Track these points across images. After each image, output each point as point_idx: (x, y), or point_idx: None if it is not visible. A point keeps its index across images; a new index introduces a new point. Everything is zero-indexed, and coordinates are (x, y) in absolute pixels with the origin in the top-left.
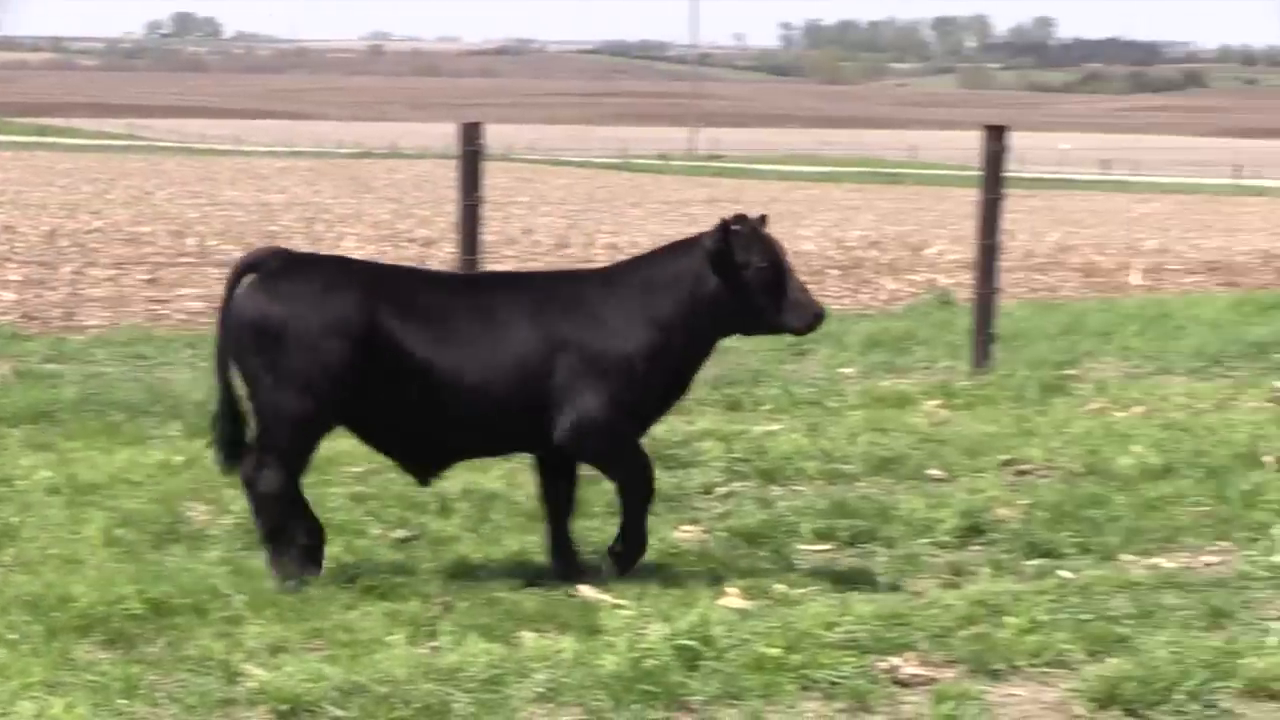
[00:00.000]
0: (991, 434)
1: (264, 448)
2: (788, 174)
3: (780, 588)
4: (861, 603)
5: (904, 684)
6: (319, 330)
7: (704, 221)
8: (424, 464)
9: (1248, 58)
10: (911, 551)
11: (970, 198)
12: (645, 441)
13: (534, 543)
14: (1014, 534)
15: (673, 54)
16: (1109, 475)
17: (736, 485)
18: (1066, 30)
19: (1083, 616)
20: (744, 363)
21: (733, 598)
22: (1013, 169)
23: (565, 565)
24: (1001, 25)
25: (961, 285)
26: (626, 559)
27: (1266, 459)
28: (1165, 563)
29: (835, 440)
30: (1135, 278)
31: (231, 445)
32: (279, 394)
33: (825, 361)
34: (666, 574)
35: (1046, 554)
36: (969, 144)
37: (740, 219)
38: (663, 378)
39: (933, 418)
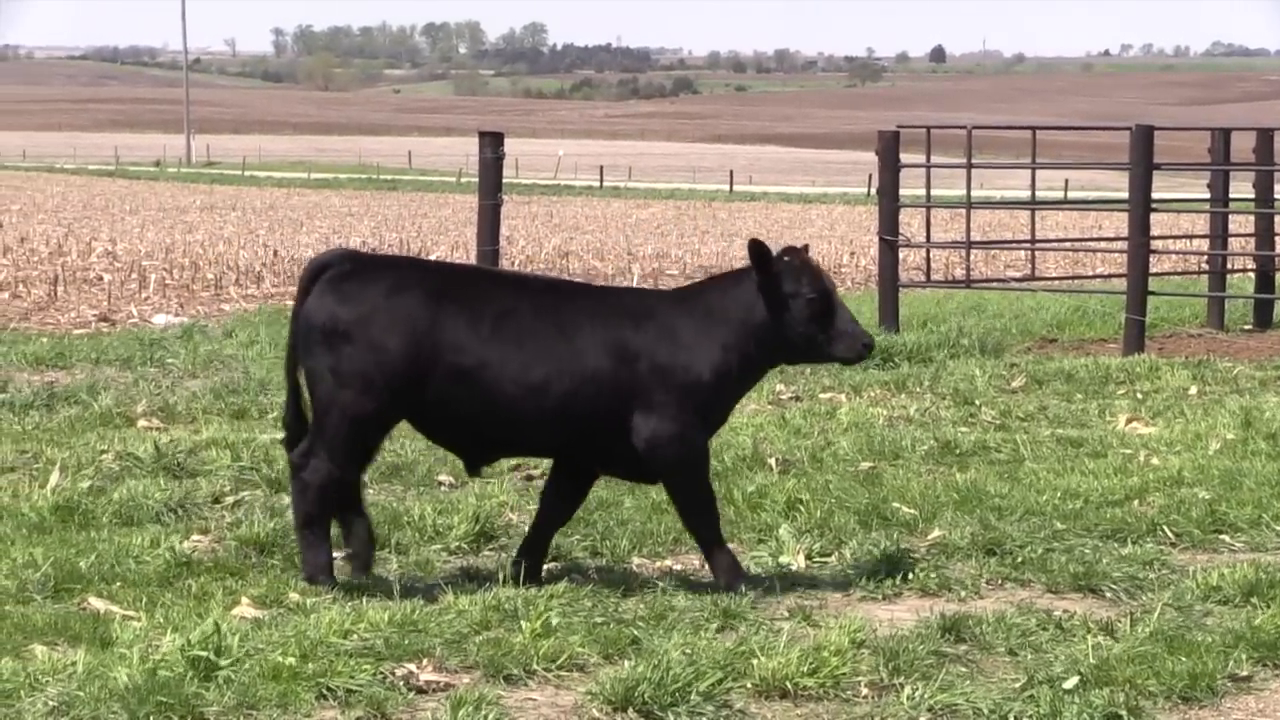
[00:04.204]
0: None
1: (317, 438)
2: (285, 180)
3: (294, 596)
4: (376, 610)
5: (421, 690)
6: (383, 332)
7: (201, 228)
8: (477, 457)
9: (737, 65)
10: (424, 557)
11: (469, 204)
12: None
13: (40, 555)
14: (524, 538)
15: (164, 59)
16: (618, 479)
17: (245, 494)
18: (558, 36)
19: (596, 620)
20: (249, 371)
21: (246, 607)
22: (509, 175)
23: (523, 567)
24: (493, 32)
25: None
26: (730, 578)
27: (770, 461)
28: (675, 565)
29: None
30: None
31: (298, 439)
32: (341, 392)
33: None
34: (178, 584)
35: (557, 558)
36: (465, 150)
37: (790, 250)
38: (717, 401)
39: None
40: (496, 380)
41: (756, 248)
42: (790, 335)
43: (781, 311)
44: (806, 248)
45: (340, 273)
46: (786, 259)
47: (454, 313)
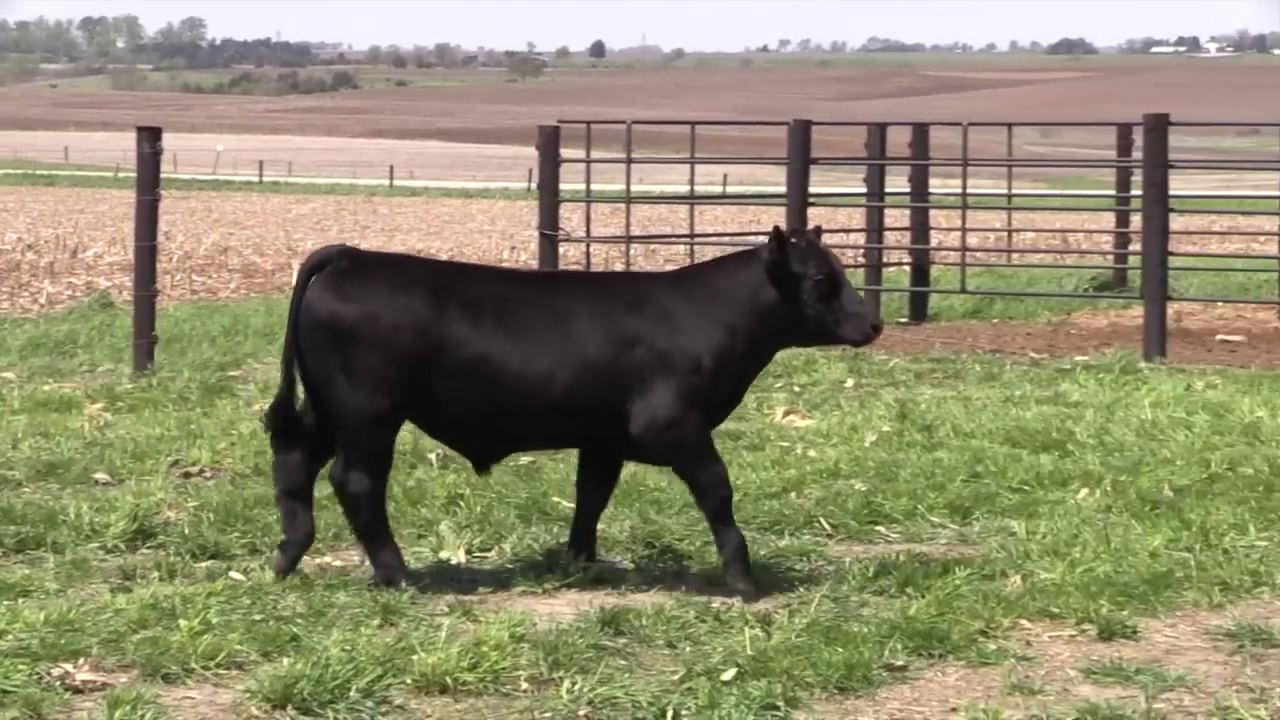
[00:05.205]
0: (157, 436)
1: (348, 449)
2: None
3: None
4: (31, 610)
5: (78, 690)
6: (388, 329)
7: None
8: (485, 454)
9: (398, 59)
10: (81, 556)
11: (127, 199)
12: None
13: None
14: (183, 536)
15: None
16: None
17: None
18: (217, 31)
19: (255, 617)
20: None
21: None
22: (168, 170)
23: (583, 558)
24: (152, 26)
25: (121, 288)
26: (735, 563)
27: (430, 456)
28: (335, 561)
29: None
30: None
31: (283, 422)
32: (356, 395)
33: None
34: None
35: (216, 555)
36: (123, 145)
37: (797, 231)
38: (724, 383)
39: (96, 421)
40: (500, 374)
41: (776, 232)
42: (799, 316)
43: (790, 292)
44: (818, 230)
45: (339, 269)
46: (795, 240)
47: (455, 308)
